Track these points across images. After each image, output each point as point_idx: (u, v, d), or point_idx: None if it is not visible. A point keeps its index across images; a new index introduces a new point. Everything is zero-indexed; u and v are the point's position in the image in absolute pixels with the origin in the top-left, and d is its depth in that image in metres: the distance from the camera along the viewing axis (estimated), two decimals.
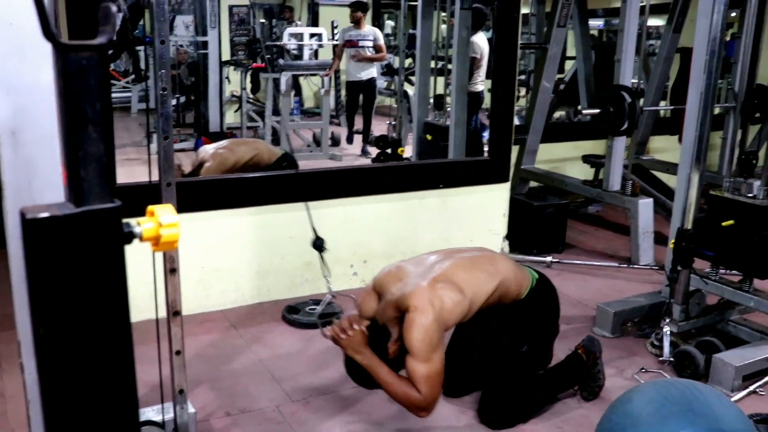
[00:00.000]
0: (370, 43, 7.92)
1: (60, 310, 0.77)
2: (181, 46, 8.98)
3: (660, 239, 4.91)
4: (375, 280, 2.78)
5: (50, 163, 1.68)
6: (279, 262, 4.00)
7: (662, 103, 6.66)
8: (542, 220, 4.91)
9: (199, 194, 3.72)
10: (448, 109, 5.61)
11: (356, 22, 7.95)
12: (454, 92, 5.27)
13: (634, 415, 2.11)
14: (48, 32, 0.75)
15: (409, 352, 2.49)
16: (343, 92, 9.88)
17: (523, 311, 2.82)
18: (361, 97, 8.12)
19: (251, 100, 9.06)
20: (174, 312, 2.14)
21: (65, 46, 0.75)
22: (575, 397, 3.02)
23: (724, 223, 3.37)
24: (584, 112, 5.34)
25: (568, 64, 7.98)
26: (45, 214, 0.75)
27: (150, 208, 0.84)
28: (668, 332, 3.31)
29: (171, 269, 2.19)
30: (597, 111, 4.78)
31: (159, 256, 2.24)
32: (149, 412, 2.49)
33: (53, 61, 0.75)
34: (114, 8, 0.75)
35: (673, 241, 3.37)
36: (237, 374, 3.18)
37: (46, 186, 1.65)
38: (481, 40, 7.16)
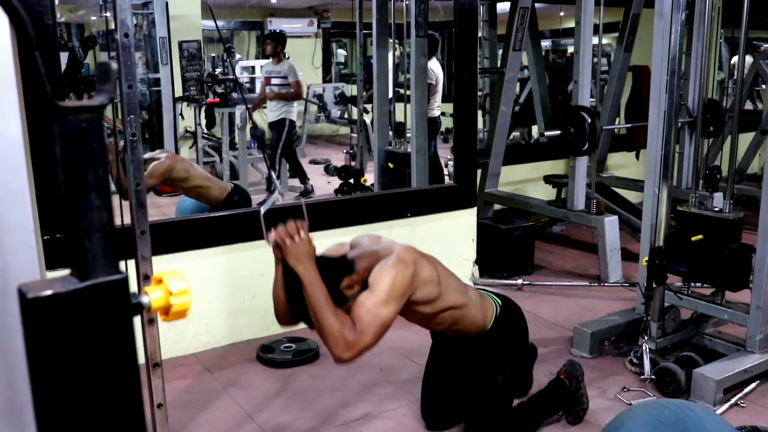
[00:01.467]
0: (280, 80, 7.48)
1: (68, 393, 0.70)
2: None
3: (626, 256, 4.97)
4: (352, 240, 2.65)
5: (20, 221, 1.60)
6: (250, 300, 3.91)
7: (617, 121, 6.79)
8: (510, 243, 4.92)
9: (165, 236, 3.63)
10: (409, 136, 5.61)
11: (272, 56, 7.55)
12: (415, 119, 5.27)
13: None
14: (45, 94, 0.70)
15: (370, 287, 2.34)
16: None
17: (491, 342, 2.75)
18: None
19: (206, 136, 8.95)
20: (154, 364, 2.05)
21: (64, 108, 0.69)
22: (560, 422, 2.99)
23: (693, 238, 3.41)
24: (546, 134, 5.39)
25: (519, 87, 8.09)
26: (49, 292, 0.69)
27: (156, 275, 0.79)
28: (647, 350, 3.32)
29: (149, 320, 2.11)
30: (558, 132, 4.83)
31: None
32: None
33: (55, 125, 0.70)
34: (114, 65, 0.70)
35: (646, 258, 3.39)
36: (216, 421, 3.08)
37: (16, 246, 1.57)
38: (434, 65, 7.21)
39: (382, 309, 2.30)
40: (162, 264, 3.60)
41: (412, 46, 5.30)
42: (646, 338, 3.37)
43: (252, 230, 3.80)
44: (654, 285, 3.33)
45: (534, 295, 4.61)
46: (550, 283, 4.78)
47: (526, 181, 6.51)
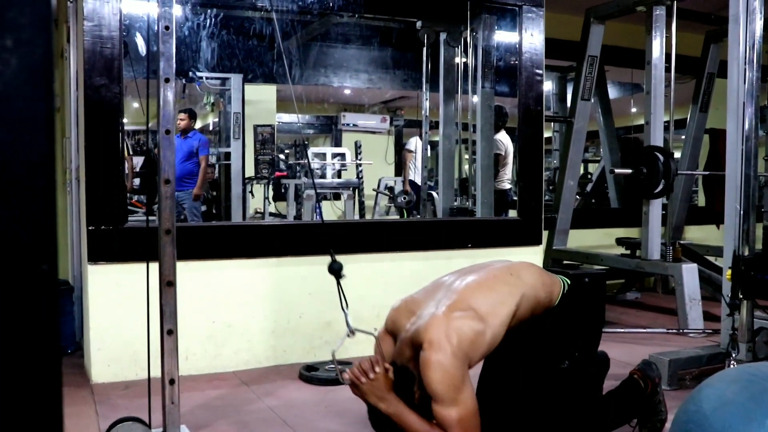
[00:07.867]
0: None
1: None
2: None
3: (708, 317, 4.53)
4: (387, 319, 2.42)
5: None
6: (297, 320, 3.69)
7: (695, 192, 6.45)
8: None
9: (210, 240, 3.50)
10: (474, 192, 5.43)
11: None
12: (480, 156, 5.06)
13: (717, 397, 1.75)
14: None
15: (432, 397, 2.12)
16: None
17: (557, 319, 2.42)
18: None
19: (274, 214, 9.00)
20: (167, 282, 1.86)
21: None
22: None
23: None
24: (616, 171, 5.12)
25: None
26: None
27: None
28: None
29: (167, 282, 1.91)
30: (629, 171, 4.57)
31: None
32: None
33: None
34: None
35: (729, 270, 3.04)
36: (244, 421, 2.81)
37: None
38: (503, 137, 7.10)
39: (459, 410, 2.11)
40: (203, 270, 3.47)
41: (478, 97, 5.22)
42: (733, 356, 2.96)
43: (305, 245, 3.63)
44: (740, 296, 2.96)
45: (605, 342, 4.19)
46: (622, 330, 4.38)
47: (597, 247, 6.16)
